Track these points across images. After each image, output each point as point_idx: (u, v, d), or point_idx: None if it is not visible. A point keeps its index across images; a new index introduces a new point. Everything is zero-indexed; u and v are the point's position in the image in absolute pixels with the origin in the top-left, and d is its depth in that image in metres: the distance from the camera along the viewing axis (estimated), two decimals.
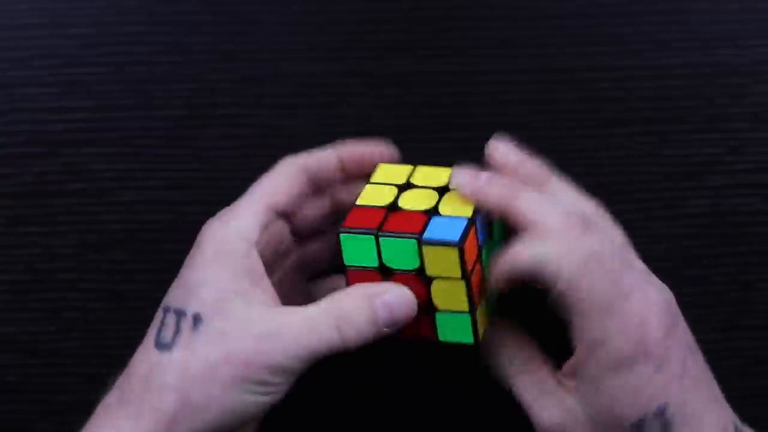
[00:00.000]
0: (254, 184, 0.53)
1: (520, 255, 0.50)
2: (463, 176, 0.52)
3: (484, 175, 0.52)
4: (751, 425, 0.58)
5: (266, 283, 0.50)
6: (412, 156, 0.61)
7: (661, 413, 0.49)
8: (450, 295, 0.51)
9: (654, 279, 0.51)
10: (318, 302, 0.50)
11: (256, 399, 0.48)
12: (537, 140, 0.61)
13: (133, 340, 0.61)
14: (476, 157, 0.61)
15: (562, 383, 0.51)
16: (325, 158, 0.54)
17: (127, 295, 0.61)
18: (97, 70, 0.62)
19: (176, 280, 0.51)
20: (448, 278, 0.50)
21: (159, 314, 0.50)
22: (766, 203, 0.61)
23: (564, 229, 0.49)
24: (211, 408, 0.48)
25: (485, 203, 0.51)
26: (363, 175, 0.55)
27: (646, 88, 0.62)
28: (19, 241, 0.61)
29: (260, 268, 0.50)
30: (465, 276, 0.50)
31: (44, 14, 0.62)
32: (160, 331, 0.49)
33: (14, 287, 0.61)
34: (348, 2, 0.62)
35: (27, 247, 0.61)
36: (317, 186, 0.54)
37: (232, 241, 0.49)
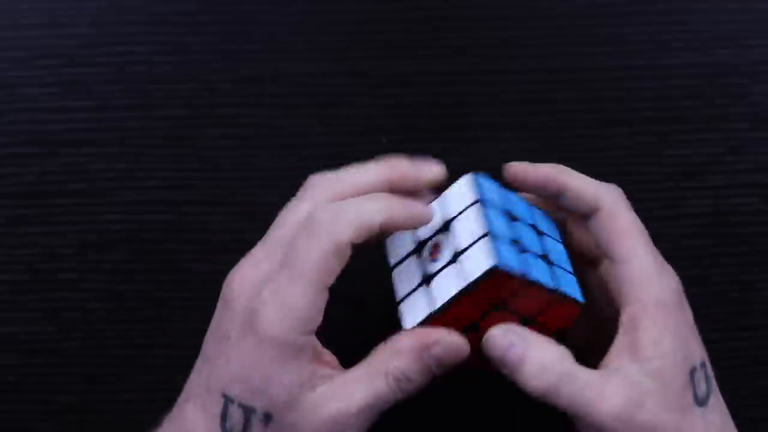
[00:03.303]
0: (302, 245, 0.49)
1: (573, 176, 0.53)
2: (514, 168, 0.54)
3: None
4: (751, 425, 0.58)
5: (325, 354, 0.50)
6: (412, 155, 0.61)
7: (703, 365, 0.51)
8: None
9: None
10: (371, 360, 0.49)
11: None
12: (537, 140, 0.61)
13: (134, 340, 0.61)
14: (476, 157, 0.61)
15: (615, 364, 0.51)
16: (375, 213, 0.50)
17: (127, 295, 0.61)
18: (97, 70, 0.62)
19: (224, 359, 0.49)
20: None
21: (215, 399, 0.49)
22: (766, 203, 0.61)
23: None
24: None
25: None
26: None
27: (646, 88, 0.62)
28: (19, 241, 0.61)
29: (319, 346, 0.50)
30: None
31: (44, 14, 0.62)
32: (224, 419, 0.49)
33: (14, 287, 0.61)
34: (348, 2, 0.62)
35: (27, 247, 0.61)
36: None
37: (294, 338, 0.48)
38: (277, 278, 0.48)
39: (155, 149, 0.61)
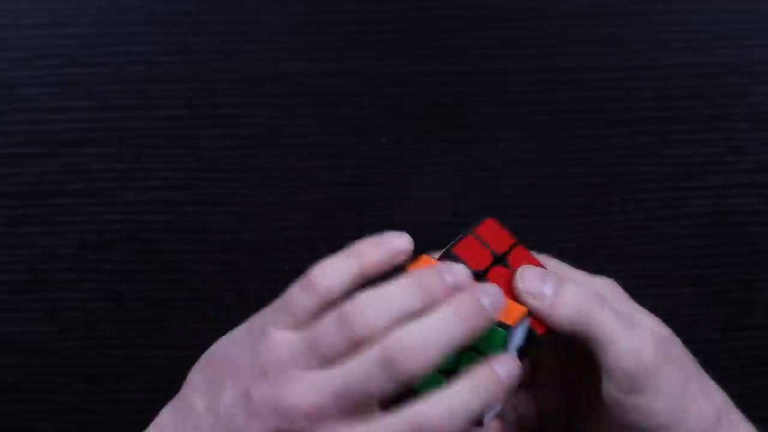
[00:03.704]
0: None
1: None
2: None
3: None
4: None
5: None
6: (412, 155, 0.61)
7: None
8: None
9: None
10: None
11: None
12: (537, 140, 0.61)
13: (134, 340, 0.61)
14: (476, 157, 0.61)
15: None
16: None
17: (127, 295, 0.61)
18: (97, 70, 0.62)
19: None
20: None
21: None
22: (766, 203, 0.61)
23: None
24: None
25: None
26: None
27: (646, 88, 0.62)
28: (19, 241, 0.61)
29: None
30: None
31: (44, 14, 0.62)
32: None
33: (14, 287, 0.61)
34: (348, 2, 0.62)
35: (27, 247, 0.61)
36: None
37: None
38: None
39: (155, 149, 0.61)
